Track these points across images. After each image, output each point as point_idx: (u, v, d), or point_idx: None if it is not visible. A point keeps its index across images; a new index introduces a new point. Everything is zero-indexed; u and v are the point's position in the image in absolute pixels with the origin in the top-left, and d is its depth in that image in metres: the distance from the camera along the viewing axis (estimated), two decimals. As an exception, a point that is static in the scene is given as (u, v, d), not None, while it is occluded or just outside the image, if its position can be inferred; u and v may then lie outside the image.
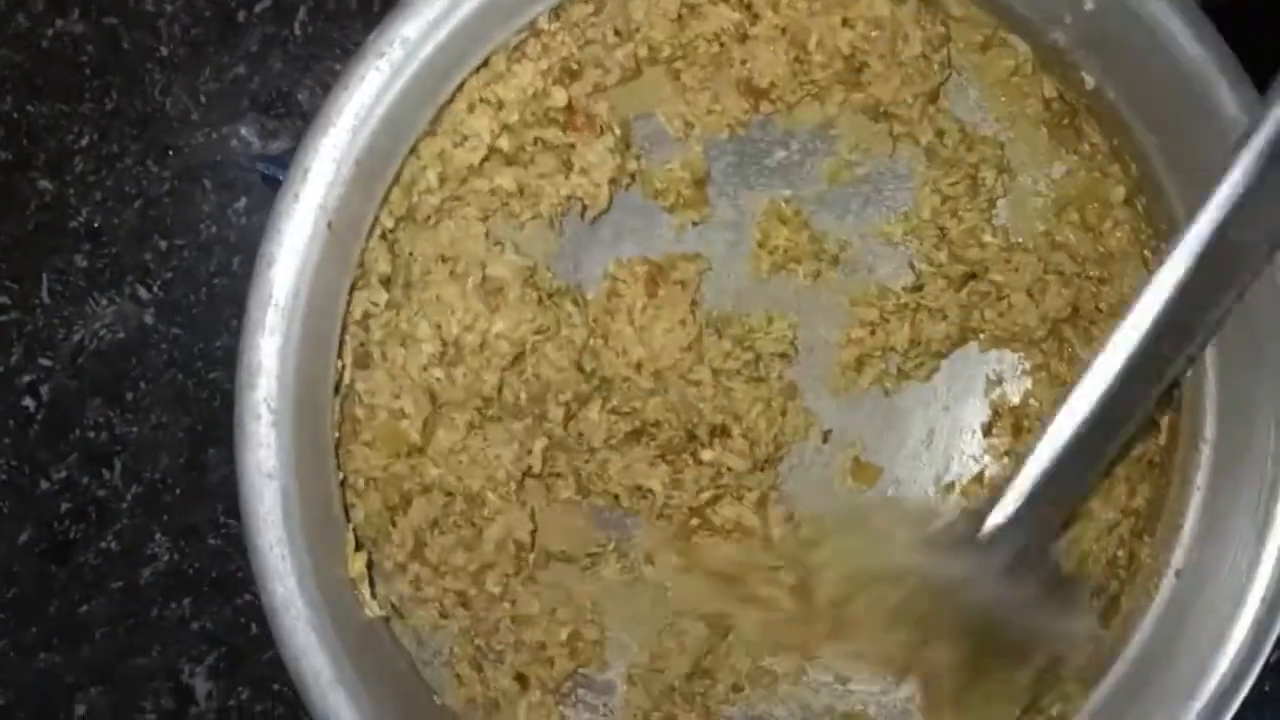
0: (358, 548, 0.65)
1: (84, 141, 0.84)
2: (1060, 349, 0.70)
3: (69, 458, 0.85)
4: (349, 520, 0.66)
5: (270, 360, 0.61)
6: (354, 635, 0.63)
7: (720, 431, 0.70)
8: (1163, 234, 0.65)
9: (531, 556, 0.70)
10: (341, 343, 0.65)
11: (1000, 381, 0.72)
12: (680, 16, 0.68)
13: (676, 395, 0.70)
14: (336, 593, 0.63)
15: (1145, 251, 0.67)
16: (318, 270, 0.61)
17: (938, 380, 0.72)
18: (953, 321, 0.70)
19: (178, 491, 0.85)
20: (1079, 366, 0.62)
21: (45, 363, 0.84)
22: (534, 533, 0.70)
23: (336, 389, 0.65)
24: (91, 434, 0.84)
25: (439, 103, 0.64)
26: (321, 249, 0.61)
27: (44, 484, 0.85)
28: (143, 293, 0.84)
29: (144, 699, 0.85)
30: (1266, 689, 0.61)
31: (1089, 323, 0.69)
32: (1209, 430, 0.64)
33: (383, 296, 0.66)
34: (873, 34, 0.68)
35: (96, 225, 0.84)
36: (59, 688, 0.85)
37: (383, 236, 0.65)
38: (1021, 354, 0.71)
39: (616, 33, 0.67)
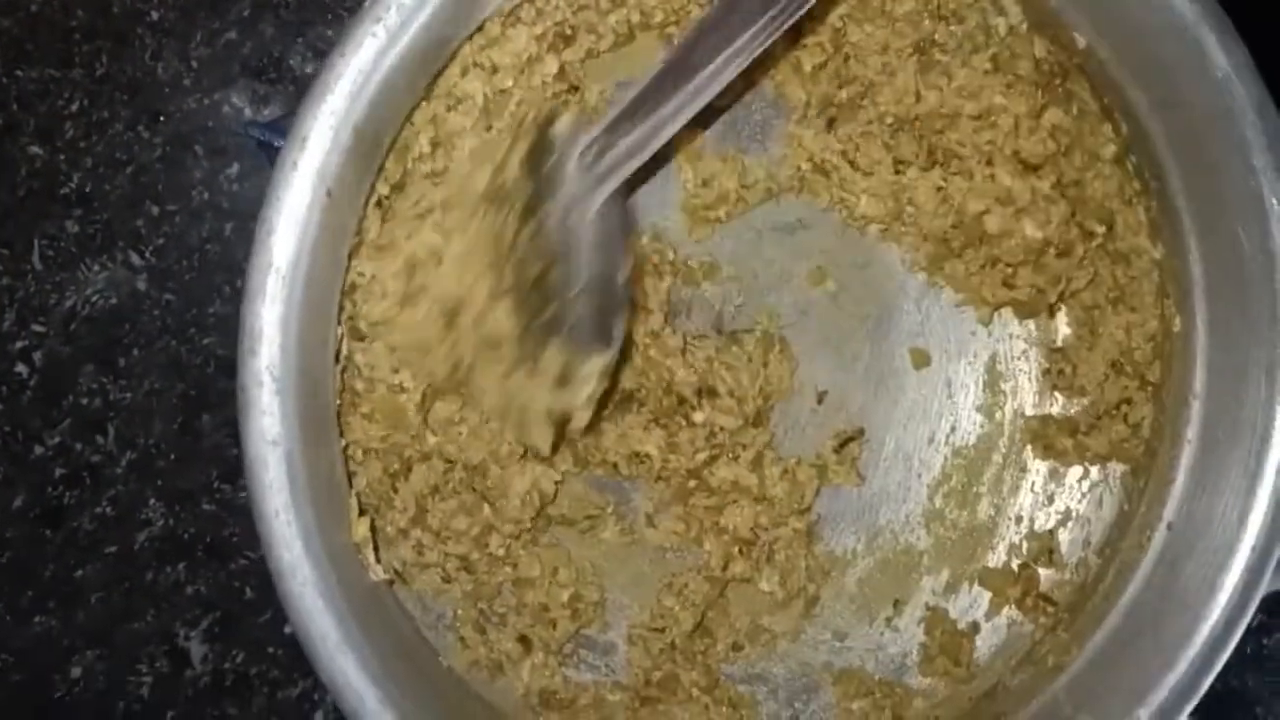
0: (360, 513, 0.65)
1: (74, 107, 0.84)
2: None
3: (62, 424, 0.84)
4: (351, 486, 0.66)
5: (272, 328, 0.60)
6: (359, 599, 0.63)
7: (708, 393, 0.71)
8: (1151, 190, 0.66)
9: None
10: (341, 310, 0.65)
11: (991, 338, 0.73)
12: (674, -19, 0.68)
13: (643, 360, 0.71)
14: (341, 558, 0.63)
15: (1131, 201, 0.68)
16: (318, 238, 0.61)
17: (930, 341, 0.73)
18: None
19: (171, 457, 0.85)
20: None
21: (38, 329, 0.84)
22: (560, 483, 0.71)
23: (337, 357, 0.65)
24: (85, 400, 0.84)
25: (435, 69, 0.64)
26: (321, 216, 0.61)
27: (38, 449, 0.84)
28: (135, 259, 0.84)
29: (139, 662, 0.85)
30: (1248, 651, 0.62)
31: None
32: (1199, 384, 0.65)
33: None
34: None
35: (88, 191, 0.84)
36: (55, 651, 0.85)
37: (378, 204, 0.65)
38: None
39: (611, -1, 0.68)
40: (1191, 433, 0.65)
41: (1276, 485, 0.61)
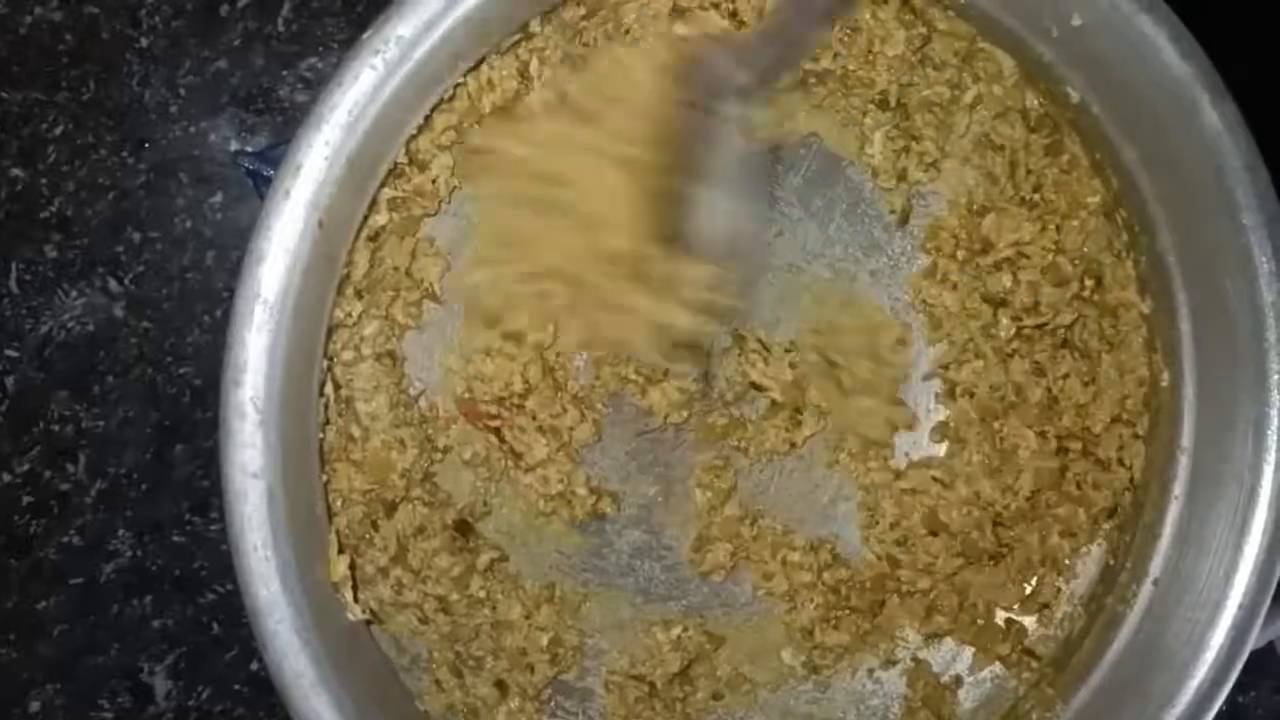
0: (340, 551, 0.65)
1: (58, 130, 0.83)
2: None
3: (32, 450, 0.83)
4: (331, 523, 0.65)
5: (257, 358, 0.60)
6: (335, 639, 0.63)
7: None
8: (1140, 244, 0.66)
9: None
10: (328, 343, 0.64)
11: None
12: (671, 22, 0.68)
13: None
14: (318, 596, 0.63)
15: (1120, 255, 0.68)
16: (307, 268, 0.61)
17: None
18: None
19: (143, 487, 0.83)
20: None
21: (11, 353, 0.83)
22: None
23: (320, 389, 0.65)
24: (56, 427, 0.83)
25: (431, 103, 0.64)
26: (311, 247, 0.61)
27: (5, 477, 0.83)
28: (113, 285, 0.83)
29: (101, 697, 0.84)
30: (1224, 708, 0.63)
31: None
32: (1187, 439, 0.65)
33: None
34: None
35: (68, 215, 0.83)
36: (14, 684, 0.83)
37: (370, 238, 0.65)
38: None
39: (608, 37, 0.68)
40: (1179, 487, 0.65)
41: (1263, 542, 0.61)
